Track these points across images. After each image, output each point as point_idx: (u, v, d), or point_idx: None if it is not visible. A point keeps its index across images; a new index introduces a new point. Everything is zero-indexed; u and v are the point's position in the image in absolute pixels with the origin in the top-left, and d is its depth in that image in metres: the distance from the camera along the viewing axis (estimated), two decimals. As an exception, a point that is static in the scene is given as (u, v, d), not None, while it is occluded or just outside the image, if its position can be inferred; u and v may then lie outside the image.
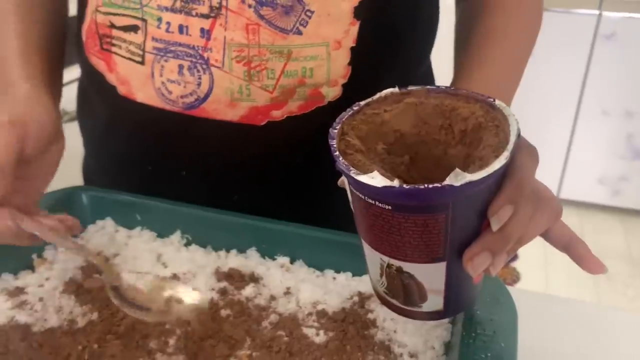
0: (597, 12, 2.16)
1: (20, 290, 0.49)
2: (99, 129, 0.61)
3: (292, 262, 0.53)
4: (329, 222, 0.53)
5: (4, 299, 0.47)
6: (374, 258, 0.38)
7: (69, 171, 0.95)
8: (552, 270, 2.04)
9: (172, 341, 0.44)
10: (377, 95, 0.40)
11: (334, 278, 0.51)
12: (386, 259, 0.37)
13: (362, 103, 0.39)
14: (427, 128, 0.39)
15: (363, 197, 0.34)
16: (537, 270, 2.04)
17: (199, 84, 0.50)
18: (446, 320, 0.46)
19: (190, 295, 0.45)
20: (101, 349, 0.43)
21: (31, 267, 0.52)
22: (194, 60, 0.50)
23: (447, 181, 0.32)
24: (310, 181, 0.57)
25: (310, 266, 0.52)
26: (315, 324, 0.46)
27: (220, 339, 0.44)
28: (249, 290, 0.49)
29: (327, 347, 0.44)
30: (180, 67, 0.50)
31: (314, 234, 0.52)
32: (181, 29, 0.49)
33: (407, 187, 0.32)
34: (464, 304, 0.40)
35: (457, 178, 0.32)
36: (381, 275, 0.39)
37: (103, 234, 0.56)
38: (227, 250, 0.54)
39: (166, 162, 0.57)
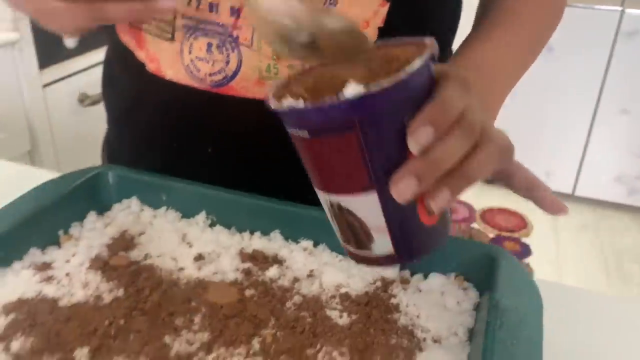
0: (619, 8, 2.13)
1: (47, 265, 0.49)
2: (124, 107, 0.61)
3: (315, 245, 0.53)
4: None
5: (32, 273, 0.48)
6: (321, 200, 0.38)
7: (90, 153, 0.96)
8: (564, 267, 2.03)
9: (197, 319, 0.44)
10: None
11: (357, 262, 0.51)
12: (326, 196, 0.37)
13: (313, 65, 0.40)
14: (373, 78, 0.39)
15: (288, 130, 0.35)
16: (549, 266, 2.03)
17: (228, 62, 0.51)
18: (470, 307, 0.46)
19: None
20: (127, 324, 0.43)
21: (57, 243, 0.52)
22: (223, 38, 0.50)
23: (342, 94, 0.31)
24: None
25: (333, 250, 0.52)
26: (339, 307, 0.46)
27: (245, 318, 0.44)
28: (272, 272, 0.50)
29: (351, 329, 0.44)
30: (209, 45, 0.50)
31: (337, 219, 0.52)
32: (211, 7, 0.50)
33: (307, 104, 0.33)
34: (418, 247, 0.38)
35: (351, 91, 0.31)
36: (332, 219, 0.38)
37: (128, 212, 0.56)
38: (251, 232, 0.54)
39: (192, 139, 0.57)
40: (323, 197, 0.38)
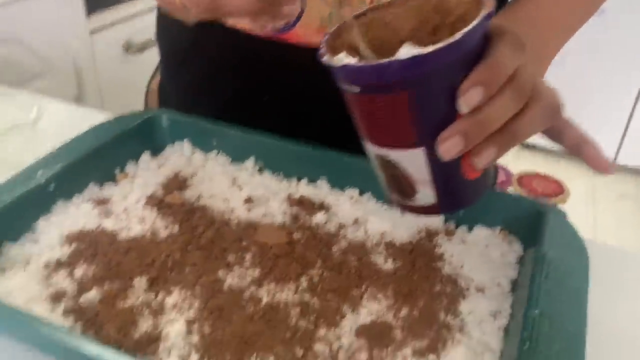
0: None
1: (105, 201, 0.52)
2: (180, 53, 0.62)
3: (361, 194, 0.54)
4: None
5: (91, 207, 0.51)
6: (368, 152, 0.39)
7: (134, 100, 0.98)
8: (601, 235, 2.00)
9: (248, 257, 0.46)
10: None
11: (402, 213, 0.52)
12: (376, 149, 0.37)
13: (367, 8, 0.39)
14: (424, 29, 0.39)
15: (340, 85, 0.35)
16: (585, 234, 2.00)
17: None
18: (514, 260, 0.47)
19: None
20: (183, 258, 0.46)
21: (114, 180, 0.55)
22: None
23: (399, 55, 0.32)
24: None
25: (378, 199, 0.53)
26: (384, 253, 0.48)
27: (293, 258, 0.46)
28: (319, 217, 0.51)
29: (395, 274, 0.45)
30: None
31: (384, 169, 0.53)
32: None
33: (363, 63, 0.33)
34: (459, 200, 0.39)
35: (408, 52, 0.31)
36: (378, 171, 0.39)
37: (181, 155, 0.58)
38: (298, 179, 0.55)
39: (248, 87, 0.58)
40: (370, 149, 0.39)
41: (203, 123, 0.58)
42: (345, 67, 0.34)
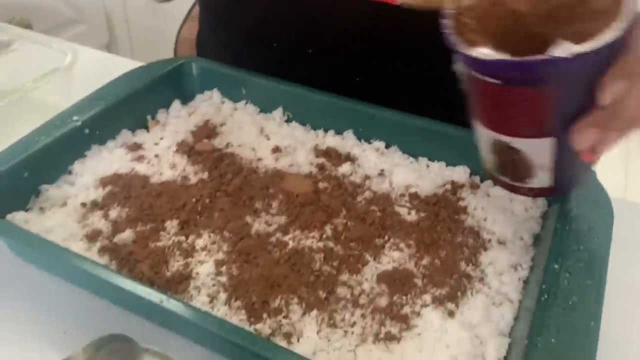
0: None
1: (138, 146, 0.53)
2: (222, 4, 0.61)
3: (387, 147, 0.54)
4: (446, 117, 0.52)
5: (125, 152, 0.52)
6: (485, 137, 0.39)
7: (163, 49, 0.99)
8: (631, 197, 1.97)
9: (274, 204, 0.47)
10: None
11: (428, 166, 0.53)
12: (497, 135, 0.38)
13: None
14: (545, 5, 0.38)
15: (475, 73, 0.35)
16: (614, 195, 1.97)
17: None
18: (538, 214, 0.47)
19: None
20: (212, 203, 0.47)
21: (146, 127, 0.56)
22: None
23: (555, 53, 0.31)
24: (435, 73, 0.57)
25: (404, 152, 0.54)
26: (408, 204, 0.48)
27: (319, 207, 0.47)
28: (345, 168, 0.52)
29: (418, 225, 0.46)
30: None
31: (411, 121, 0.53)
32: None
33: (517, 59, 0.32)
34: (574, 182, 0.41)
35: (566, 50, 0.31)
36: (491, 153, 0.40)
37: (210, 103, 0.59)
38: (325, 130, 0.56)
39: (292, 39, 0.57)
40: (487, 134, 0.39)
41: (232, 72, 0.59)
42: (489, 61, 0.33)
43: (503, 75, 0.34)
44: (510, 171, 0.40)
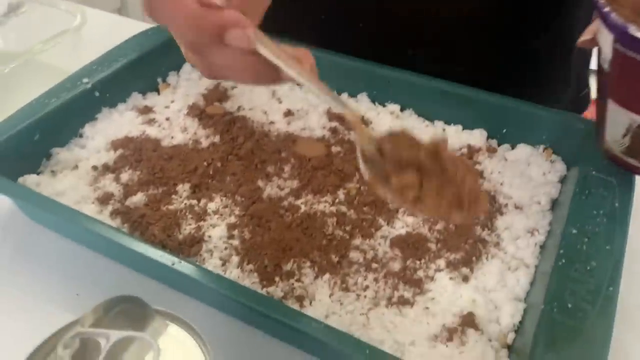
0: None
1: (149, 109, 0.52)
2: None
3: (402, 110, 0.53)
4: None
5: (136, 115, 0.52)
6: (620, 117, 0.38)
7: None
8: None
9: (287, 168, 0.47)
10: None
11: (444, 129, 0.51)
12: (638, 118, 0.36)
13: None
14: None
15: (634, 54, 0.34)
16: None
17: None
18: (556, 179, 0.46)
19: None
20: (224, 167, 0.47)
21: (156, 90, 0.55)
22: None
23: None
24: (490, 49, 0.55)
25: (420, 115, 0.52)
26: (423, 169, 0.47)
27: (331, 171, 0.46)
28: (358, 132, 0.51)
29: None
30: None
31: (427, 84, 0.51)
32: None
33: None
34: None
35: None
36: (624, 136, 0.39)
37: (221, 66, 0.58)
38: (339, 93, 0.55)
39: (343, 12, 0.55)
40: (625, 114, 0.37)
41: (244, 34, 0.57)
42: None
43: None
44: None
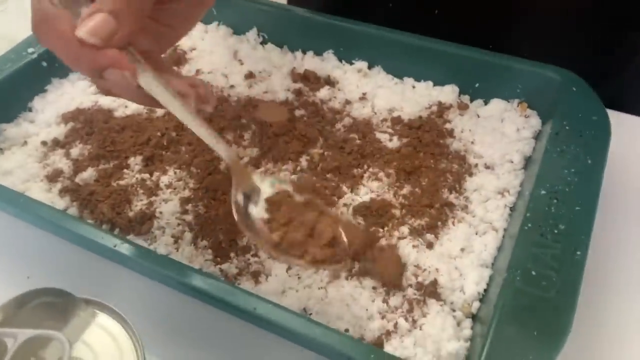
0: None
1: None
2: None
3: (370, 67, 0.50)
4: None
5: (88, 84, 0.49)
6: None
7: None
8: None
9: (247, 135, 0.44)
10: None
11: (414, 87, 0.48)
12: None
13: None
14: None
15: None
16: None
17: None
18: (530, 134, 0.43)
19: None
20: (179, 136, 0.44)
21: (112, 57, 0.52)
22: None
23: None
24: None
25: (388, 73, 0.50)
26: (389, 130, 0.45)
27: (294, 136, 0.44)
28: (323, 93, 0.48)
29: (400, 152, 0.43)
30: None
31: (395, 38, 0.48)
32: None
33: None
34: None
35: None
36: None
37: (179, 27, 0.54)
38: (304, 52, 0.52)
39: None
40: None
41: (202, -8, 0.54)
42: None
43: None
44: None
